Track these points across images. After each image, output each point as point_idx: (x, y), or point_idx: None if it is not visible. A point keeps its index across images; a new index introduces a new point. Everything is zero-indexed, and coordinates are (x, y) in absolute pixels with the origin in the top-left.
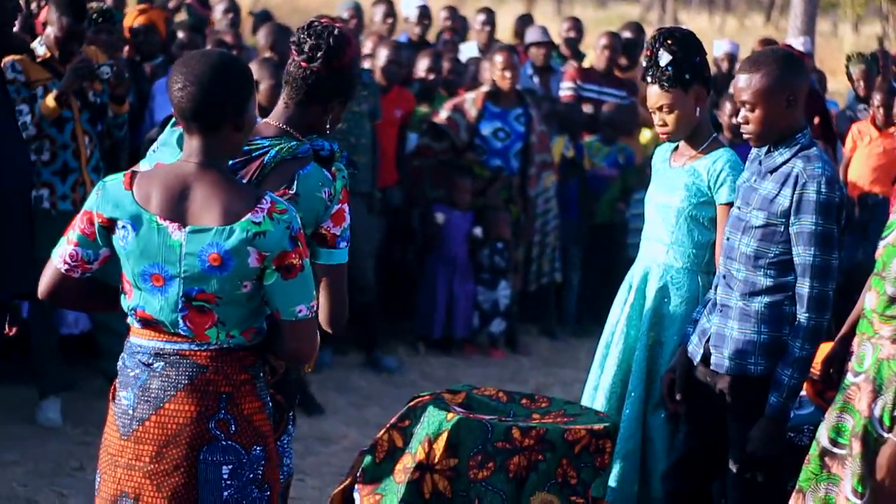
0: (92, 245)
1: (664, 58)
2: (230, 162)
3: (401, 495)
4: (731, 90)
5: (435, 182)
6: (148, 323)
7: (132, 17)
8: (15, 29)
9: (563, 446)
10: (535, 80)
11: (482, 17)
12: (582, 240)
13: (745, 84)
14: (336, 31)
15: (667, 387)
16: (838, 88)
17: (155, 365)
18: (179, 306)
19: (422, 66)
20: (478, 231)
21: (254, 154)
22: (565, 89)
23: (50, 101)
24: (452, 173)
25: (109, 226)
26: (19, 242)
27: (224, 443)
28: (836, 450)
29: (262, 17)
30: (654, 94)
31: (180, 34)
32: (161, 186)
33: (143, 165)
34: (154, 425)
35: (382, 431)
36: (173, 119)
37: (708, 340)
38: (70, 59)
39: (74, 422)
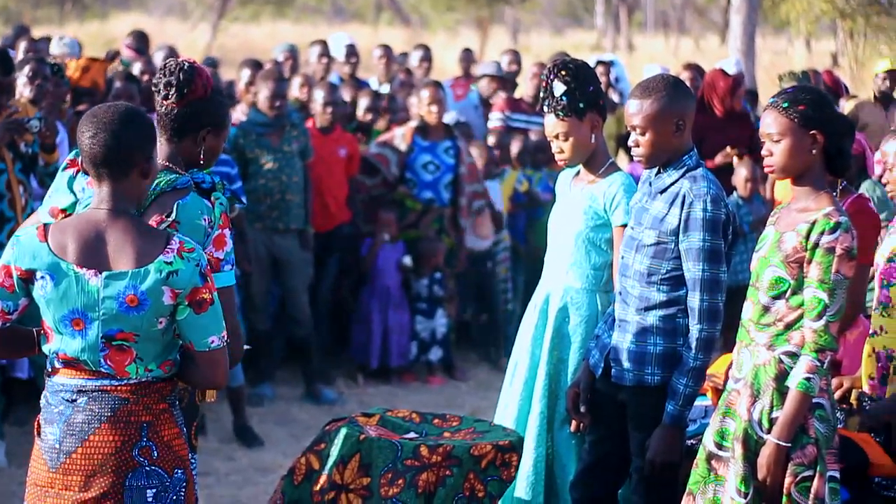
0: (11, 297)
1: (559, 88)
2: None
3: None
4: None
5: (367, 217)
6: (70, 363)
7: (76, 73)
8: None
9: (469, 461)
10: (481, 111)
11: (419, 53)
12: (527, 269)
13: (635, 109)
14: (185, 66)
15: (571, 401)
16: None
17: (78, 401)
18: (100, 347)
19: (361, 105)
20: (407, 260)
21: None
22: (494, 120)
23: None
24: (378, 207)
25: (28, 277)
26: None
27: (147, 468)
28: (720, 452)
29: (210, 65)
30: (551, 124)
31: (116, 83)
32: (75, 235)
33: (40, 213)
34: (81, 457)
35: (300, 455)
36: (64, 164)
37: (608, 354)
38: (0, 112)
39: (18, 463)
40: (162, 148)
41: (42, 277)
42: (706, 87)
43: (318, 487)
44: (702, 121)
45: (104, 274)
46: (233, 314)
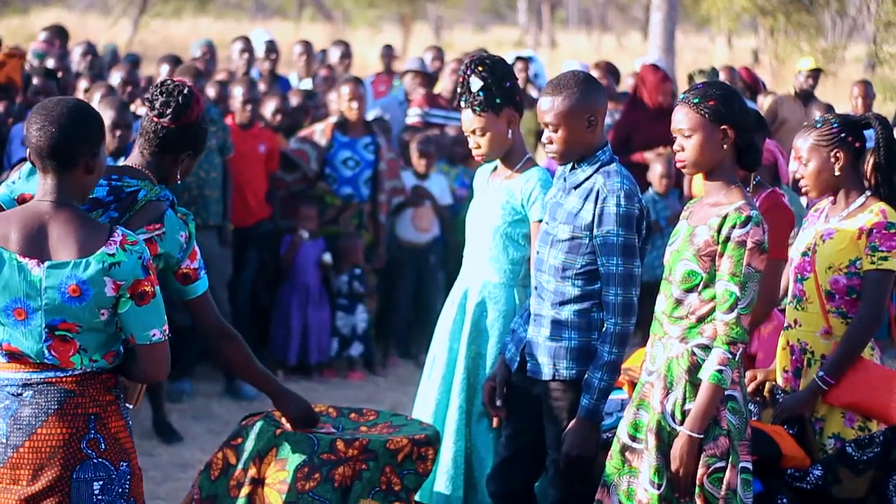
0: None
1: (475, 84)
2: (104, 194)
3: None
4: None
5: (286, 212)
6: (14, 356)
7: None
8: None
9: (385, 455)
10: (405, 107)
11: (339, 49)
12: (446, 265)
13: (547, 106)
14: (185, 90)
15: (487, 394)
16: None
17: (24, 395)
18: (43, 337)
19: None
20: (327, 257)
21: (126, 190)
22: (412, 116)
23: None
24: (297, 203)
25: None
26: None
27: (95, 461)
28: (634, 444)
29: (131, 62)
30: (468, 119)
31: (35, 80)
32: (18, 226)
33: (3, 186)
34: (28, 450)
35: (217, 450)
36: None
37: (524, 349)
38: None
39: None
40: (141, 158)
41: None
42: (638, 83)
43: (234, 482)
44: (634, 116)
45: (47, 263)
46: (216, 312)
